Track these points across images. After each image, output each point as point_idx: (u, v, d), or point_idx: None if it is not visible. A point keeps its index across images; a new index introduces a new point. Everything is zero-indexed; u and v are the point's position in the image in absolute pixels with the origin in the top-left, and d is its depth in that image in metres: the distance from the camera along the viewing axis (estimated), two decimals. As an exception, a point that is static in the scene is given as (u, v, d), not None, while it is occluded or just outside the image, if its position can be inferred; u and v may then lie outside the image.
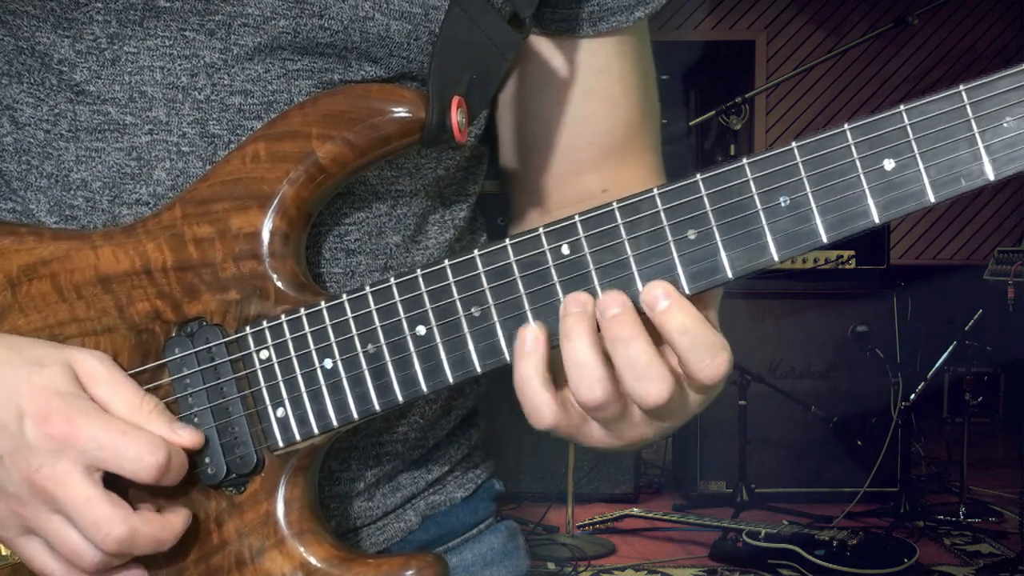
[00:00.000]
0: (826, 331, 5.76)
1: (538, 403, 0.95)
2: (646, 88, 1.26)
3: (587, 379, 0.93)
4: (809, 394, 5.71)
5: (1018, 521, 5.32)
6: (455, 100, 1.02)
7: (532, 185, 1.26)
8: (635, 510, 5.57)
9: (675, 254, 0.94)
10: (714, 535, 5.21)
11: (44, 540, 0.99)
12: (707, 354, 0.92)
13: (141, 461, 0.96)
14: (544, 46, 1.20)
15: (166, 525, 1.00)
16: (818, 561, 4.80)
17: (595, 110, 1.22)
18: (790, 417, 5.73)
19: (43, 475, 0.96)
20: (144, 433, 0.98)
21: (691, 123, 5.51)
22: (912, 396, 5.61)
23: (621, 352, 0.93)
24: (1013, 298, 5.19)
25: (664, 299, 0.92)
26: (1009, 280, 5.21)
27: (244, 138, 1.05)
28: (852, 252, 6.06)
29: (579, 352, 0.93)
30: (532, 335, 0.95)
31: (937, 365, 5.68)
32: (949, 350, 5.62)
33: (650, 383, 0.92)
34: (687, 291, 0.94)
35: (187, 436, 1.01)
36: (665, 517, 5.43)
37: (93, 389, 1.00)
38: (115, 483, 0.99)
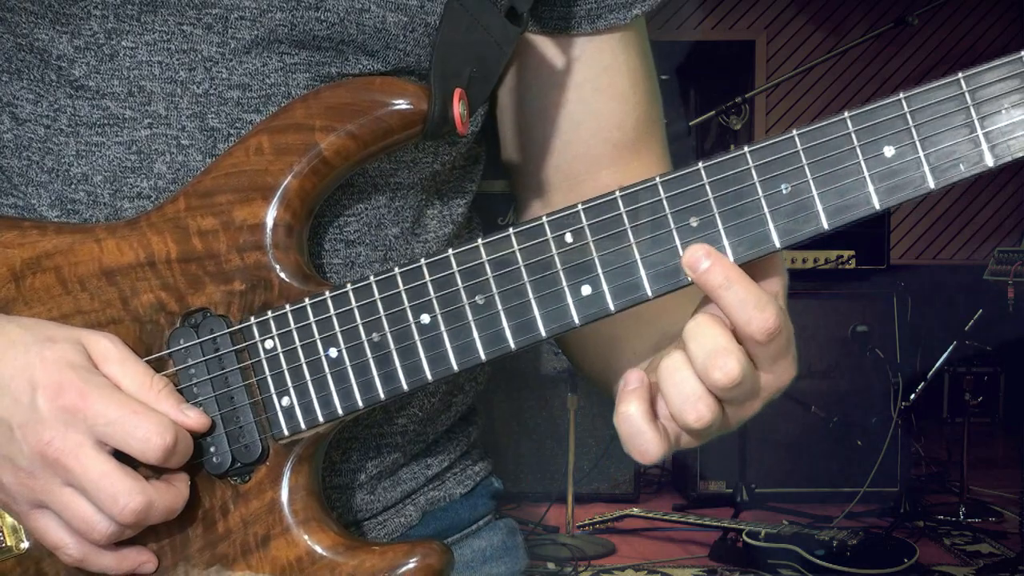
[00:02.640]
0: (826, 331, 5.75)
1: (645, 441, 0.96)
2: (651, 82, 1.27)
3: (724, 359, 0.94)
4: (809, 394, 5.70)
5: (1018, 521, 5.32)
6: (457, 92, 1.03)
7: (546, 186, 1.27)
8: (635, 510, 5.56)
9: (677, 242, 0.95)
10: (714, 535, 5.21)
11: (55, 514, 1.00)
12: (754, 306, 0.93)
13: (149, 441, 0.97)
14: (548, 46, 1.21)
15: (178, 494, 1.01)
16: (818, 561, 4.79)
17: (606, 106, 1.23)
18: (790, 417, 5.71)
19: (55, 448, 0.97)
20: (154, 414, 0.99)
21: (691, 123, 5.51)
22: (912, 396, 5.60)
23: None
24: (1013, 298, 5.18)
25: (705, 259, 0.93)
26: (1009, 280, 5.20)
27: (243, 131, 1.06)
28: (852, 252, 6.06)
29: (718, 337, 0.94)
30: (637, 376, 0.96)
31: (937, 365, 5.66)
32: (949, 350, 5.61)
33: (727, 357, 0.93)
34: (689, 279, 0.95)
35: (194, 417, 1.01)
36: (665, 517, 5.43)
37: (104, 367, 1.01)
38: (119, 454, 0.99)
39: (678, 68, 7.83)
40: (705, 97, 8.24)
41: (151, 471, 1.01)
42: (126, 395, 0.99)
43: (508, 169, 1.30)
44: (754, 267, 0.96)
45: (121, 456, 0.99)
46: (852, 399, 5.76)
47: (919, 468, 6.22)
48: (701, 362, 0.93)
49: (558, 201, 1.26)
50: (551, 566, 5.05)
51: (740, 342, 0.95)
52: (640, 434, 0.96)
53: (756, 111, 8.20)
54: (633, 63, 1.24)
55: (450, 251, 0.99)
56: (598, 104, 1.23)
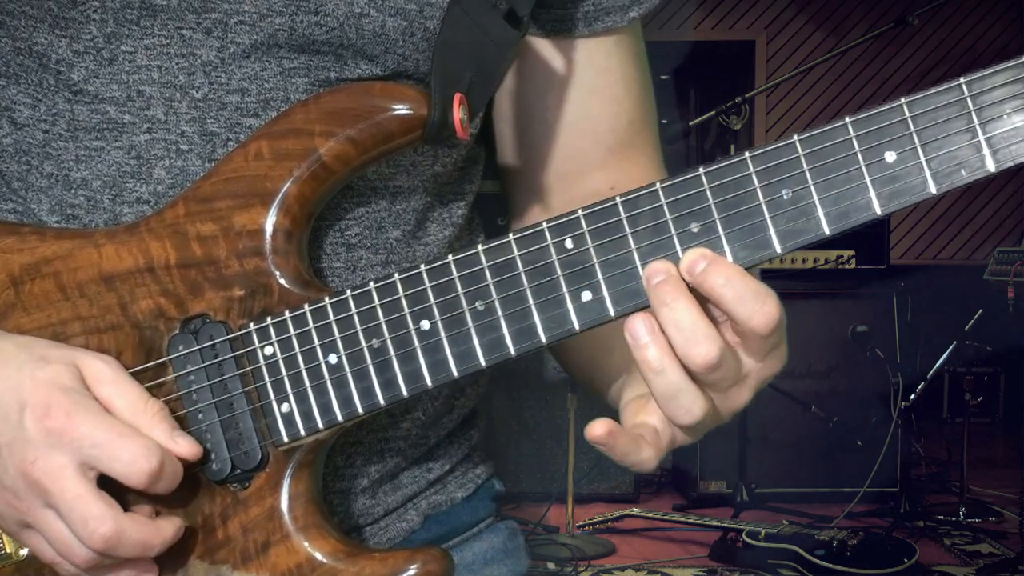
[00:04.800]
0: (826, 331, 5.76)
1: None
2: (645, 85, 1.27)
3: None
4: (809, 394, 5.71)
5: (1018, 521, 5.32)
6: (457, 97, 1.02)
7: (538, 186, 1.26)
8: (635, 510, 5.56)
9: (678, 247, 0.94)
10: (714, 535, 5.21)
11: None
12: (754, 300, 0.92)
13: (134, 465, 0.96)
14: (544, 47, 1.21)
15: (155, 531, 0.99)
16: (818, 561, 4.79)
17: (599, 108, 1.23)
18: (790, 417, 5.72)
19: (38, 468, 0.96)
20: (141, 437, 0.97)
21: (691, 123, 5.50)
22: (912, 396, 5.60)
23: (667, 316, 0.93)
24: (1013, 298, 5.18)
25: (702, 260, 0.92)
26: (1009, 280, 5.21)
27: (242, 136, 1.06)
28: (852, 252, 6.06)
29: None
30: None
31: (937, 365, 5.66)
32: (949, 350, 5.61)
33: (698, 344, 0.92)
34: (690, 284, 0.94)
35: (185, 446, 1.00)
36: (665, 517, 5.43)
37: (98, 389, 1.00)
38: (114, 484, 0.98)
39: (678, 68, 7.83)
40: (705, 97, 8.25)
41: (148, 500, 1.01)
42: (114, 418, 0.98)
43: (500, 168, 1.30)
44: None
45: (117, 483, 0.98)
46: (852, 399, 5.77)
47: (919, 468, 6.23)
48: (681, 347, 0.93)
49: (549, 201, 1.26)
50: (551, 566, 5.05)
51: (741, 338, 0.95)
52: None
53: (756, 111, 8.21)
54: (627, 65, 1.24)
55: (450, 257, 0.99)
56: (592, 106, 1.23)
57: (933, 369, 5.66)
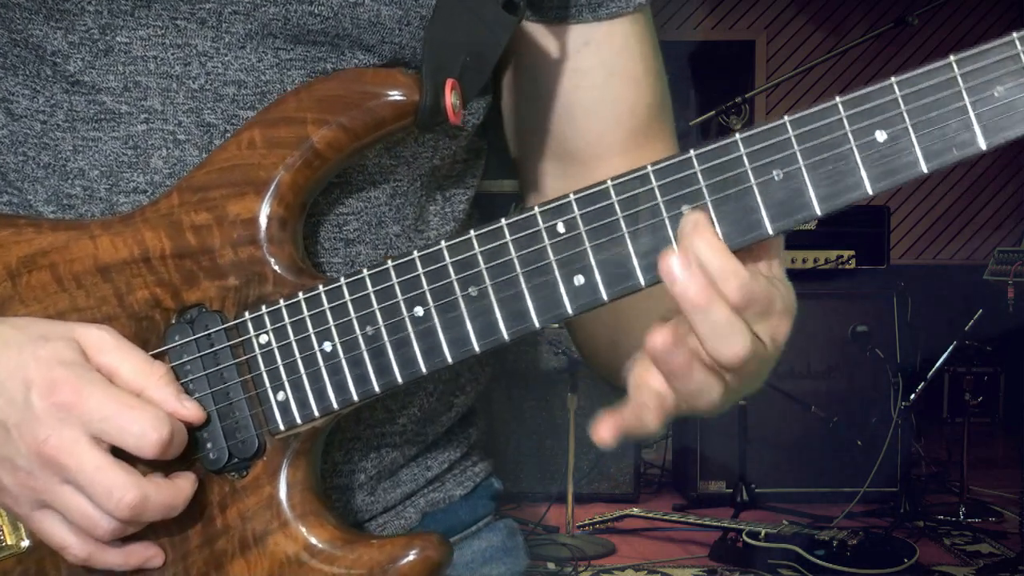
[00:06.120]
0: (826, 331, 5.76)
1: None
2: (660, 70, 1.25)
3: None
4: (809, 394, 5.70)
5: (1018, 521, 5.31)
6: (449, 82, 1.02)
7: (558, 176, 1.25)
8: (635, 510, 5.56)
9: (669, 229, 0.94)
10: (714, 535, 5.21)
11: (58, 513, 1.00)
12: (733, 276, 0.90)
13: (144, 436, 0.97)
14: (554, 35, 1.20)
15: (177, 491, 1.00)
16: (818, 561, 4.79)
17: (619, 91, 1.22)
18: (790, 417, 5.72)
19: (51, 445, 0.96)
20: (148, 407, 0.98)
21: (691, 123, 5.51)
22: (912, 396, 5.60)
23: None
24: (1013, 298, 5.18)
25: (692, 224, 0.92)
26: (1009, 280, 5.21)
27: (240, 127, 1.06)
28: (852, 252, 6.06)
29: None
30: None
31: (937, 365, 5.66)
32: (949, 350, 5.61)
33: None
34: None
35: (191, 409, 1.01)
36: (665, 517, 5.43)
37: (100, 358, 1.00)
38: (118, 452, 0.99)
39: (678, 68, 7.83)
40: (705, 97, 8.24)
41: (152, 466, 1.01)
42: (120, 390, 0.99)
43: (515, 161, 1.29)
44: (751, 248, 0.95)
45: (120, 452, 0.99)
46: (852, 399, 5.77)
47: (919, 468, 6.22)
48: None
49: (569, 189, 1.25)
50: (551, 566, 5.05)
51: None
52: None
53: (756, 111, 8.20)
54: (645, 46, 1.22)
55: (443, 243, 0.99)
56: (612, 89, 1.22)
57: (933, 369, 5.65)
